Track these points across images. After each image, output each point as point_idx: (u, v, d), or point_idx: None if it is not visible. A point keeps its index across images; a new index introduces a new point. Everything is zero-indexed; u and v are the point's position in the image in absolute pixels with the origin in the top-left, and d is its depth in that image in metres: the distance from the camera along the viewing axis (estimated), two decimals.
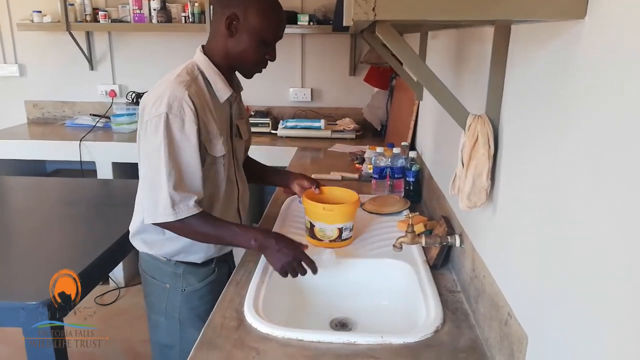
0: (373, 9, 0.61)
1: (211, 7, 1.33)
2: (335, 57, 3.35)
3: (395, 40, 0.91)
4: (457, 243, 1.20)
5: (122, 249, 1.60)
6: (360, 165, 2.33)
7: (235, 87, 1.39)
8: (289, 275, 1.22)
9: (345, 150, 2.76)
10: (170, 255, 1.34)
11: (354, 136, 3.05)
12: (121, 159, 2.95)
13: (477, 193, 0.96)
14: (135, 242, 1.39)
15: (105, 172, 2.94)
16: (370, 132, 3.15)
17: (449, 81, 1.42)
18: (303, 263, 1.22)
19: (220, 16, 1.23)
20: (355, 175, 2.21)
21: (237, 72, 1.37)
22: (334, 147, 2.83)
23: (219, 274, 1.41)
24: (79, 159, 2.93)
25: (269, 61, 1.31)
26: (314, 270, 1.23)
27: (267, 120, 3.17)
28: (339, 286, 1.37)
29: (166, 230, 1.27)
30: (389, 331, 1.06)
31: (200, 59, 1.28)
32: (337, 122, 3.22)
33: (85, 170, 2.99)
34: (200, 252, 1.35)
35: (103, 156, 2.94)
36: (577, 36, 0.67)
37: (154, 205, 1.18)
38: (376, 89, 3.15)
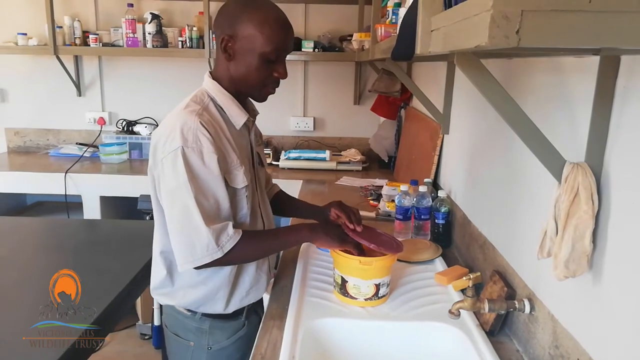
0: (517, 32, 0.44)
1: (211, 31, 1.19)
2: (339, 85, 3.21)
3: (479, 72, 0.74)
4: (527, 309, 1.01)
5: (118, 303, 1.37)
6: (376, 202, 2.14)
7: (251, 112, 1.25)
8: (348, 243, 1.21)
9: (353, 184, 2.57)
10: (195, 306, 1.18)
11: (360, 168, 2.88)
12: (110, 193, 2.72)
13: (577, 260, 0.77)
14: (157, 295, 1.23)
15: (92, 206, 2.70)
16: (376, 164, 2.99)
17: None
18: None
19: (216, 40, 1.13)
20: (372, 214, 2.02)
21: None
22: (342, 181, 2.64)
23: (248, 328, 1.24)
24: (64, 192, 2.69)
25: (280, 79, 1.16)
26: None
27: (267, 150, 2.99)
28: (378, 356, 1.17)
29: (186, 277, 1.15)
30: None
31: (209, 85, 1.17)
32: (342, 152, 3.05)
33: (70, 203, 2.74)
34: (225, 298, 1.18)
35: (90, 189, 2.71)
36: None
37: (189, 248, 1.05)
38: (383, 119, 3.01)
